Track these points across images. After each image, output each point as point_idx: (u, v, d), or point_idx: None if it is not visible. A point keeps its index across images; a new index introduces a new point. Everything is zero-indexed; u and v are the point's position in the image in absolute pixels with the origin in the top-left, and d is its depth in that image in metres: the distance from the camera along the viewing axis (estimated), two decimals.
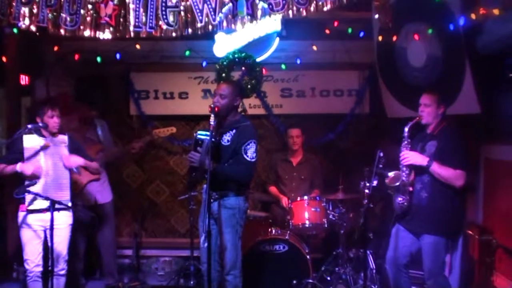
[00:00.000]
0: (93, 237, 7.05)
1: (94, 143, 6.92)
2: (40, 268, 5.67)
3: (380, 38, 6.88)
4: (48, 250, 5.68)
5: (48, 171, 5.63)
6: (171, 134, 7.31)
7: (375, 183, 5.34)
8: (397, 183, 5.30)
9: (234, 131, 5.43)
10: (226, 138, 5.42)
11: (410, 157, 5.25)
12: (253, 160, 5.36)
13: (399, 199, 5.34)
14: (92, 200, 6.80)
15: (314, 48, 7.65)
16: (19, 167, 5.52)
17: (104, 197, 6.94)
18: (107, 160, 7.04)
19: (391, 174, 5.34)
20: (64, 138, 5.84)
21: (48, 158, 5.66)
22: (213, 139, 5.15)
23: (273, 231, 6.62)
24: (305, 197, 6.78)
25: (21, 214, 5.67)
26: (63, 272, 5.77)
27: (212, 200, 5.35)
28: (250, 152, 5.33)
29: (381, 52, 7.19)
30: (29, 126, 5.61)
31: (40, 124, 5.64)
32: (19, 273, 7.04)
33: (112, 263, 7.11)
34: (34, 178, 5.53)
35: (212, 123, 5.16)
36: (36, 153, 5.62)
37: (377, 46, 7.18)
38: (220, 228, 5.45)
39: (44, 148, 5.64)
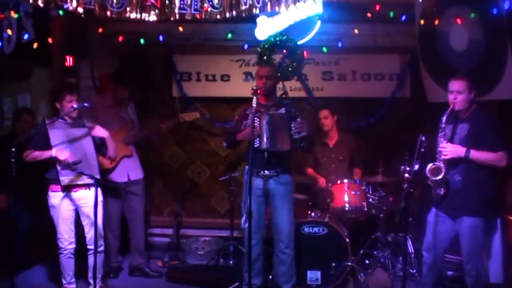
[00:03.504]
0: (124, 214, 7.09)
1: (126, 122, 7.00)
2: (73, 246, 5.84)
3: (422, 22, 6.84)
4: (79, 229, 5.90)
5: (77, 154, 5.72)
6: (195, 119, 7.38)
7: (416, 167, 5.24)
8: (439, 177, 5.18)
9: (283, 108, 5.67)
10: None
11: (450, 151, 5.15)
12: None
13: (439, 189, 5.28)
14: (125, 176, 6.88)
15: (356, 31, 7.58)
16: (54, 152, 5.64)
17: (136, 174, 6.99)
18: (136, 140, 7.11)
19: (434, 164, 5.22)
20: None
21: (74, 142, 5.78)
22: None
23: (313, 213, 6.59)
24: (345, 180, 6.76)
25: (51, 194, 5.81)
26: (101, 248, 5.90)
27: (267, 178, 5.70)
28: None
29: (422, 36, 7.11)
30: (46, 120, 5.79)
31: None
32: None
33: (141, 241, 7.07)
34: (71, 163, 5.60)
35: (254, 105, 5.27)
36: (62, 139, 5.75)
37: (419, 30, 7.12)
38: (276, 204, 5.76)
39: (69, 134, 5.77)
